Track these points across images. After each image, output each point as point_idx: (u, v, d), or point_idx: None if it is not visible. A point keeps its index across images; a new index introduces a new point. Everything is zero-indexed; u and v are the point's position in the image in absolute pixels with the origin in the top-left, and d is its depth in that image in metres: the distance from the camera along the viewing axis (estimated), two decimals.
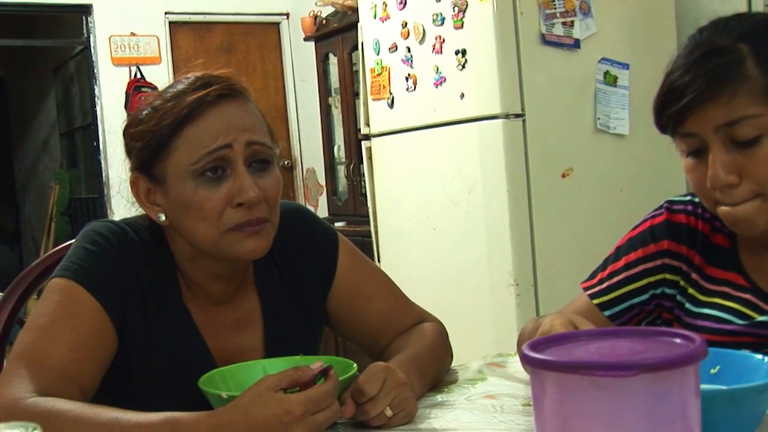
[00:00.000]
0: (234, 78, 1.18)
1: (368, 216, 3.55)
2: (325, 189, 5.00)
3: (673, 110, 1.07)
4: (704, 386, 0.93)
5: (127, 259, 1.16)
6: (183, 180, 1.13)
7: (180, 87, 1.16)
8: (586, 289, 1.26)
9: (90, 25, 5.27)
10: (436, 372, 1.24)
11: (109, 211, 5.24)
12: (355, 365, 1.09)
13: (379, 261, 3.43)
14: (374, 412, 1.03)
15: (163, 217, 1.17)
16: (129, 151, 1.19)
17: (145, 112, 1.17)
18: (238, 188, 1.12)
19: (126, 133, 1.19)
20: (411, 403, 1.07)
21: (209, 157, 1.11)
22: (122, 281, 1.14)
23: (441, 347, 1.28)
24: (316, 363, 1.00)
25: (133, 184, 1.18)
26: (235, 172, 1.12)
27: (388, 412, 1.04)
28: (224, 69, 1.19)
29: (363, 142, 3.58)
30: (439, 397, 1.18)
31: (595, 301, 1.23)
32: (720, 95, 1.03)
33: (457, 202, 2.93)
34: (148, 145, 1.14)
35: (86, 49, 5.37)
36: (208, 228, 1.13)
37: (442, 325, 1.34)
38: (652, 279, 1.22)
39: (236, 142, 1.12)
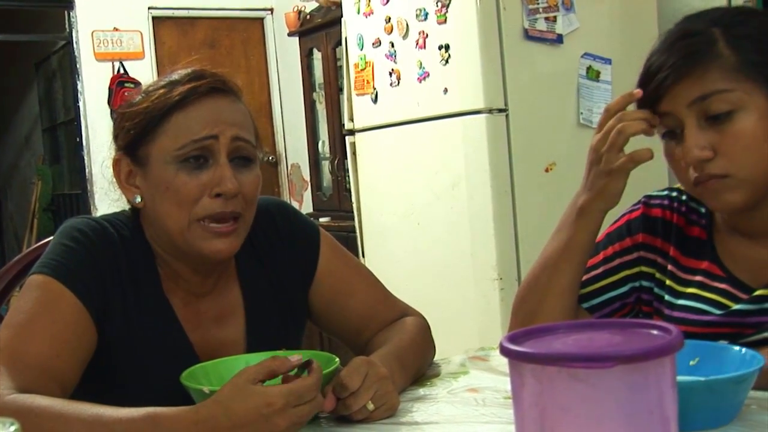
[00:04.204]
0: (228, 77, 1.20)
1: (353, 211, 3.55)
2: (309, 184, 4.99)
3: (649, 90, 1.11)
4: (683, 377, 0.95)
5: (106, 254, 1.16)
6: (165, 164, 1.14)
7: (174, 77, 1.19)
8: None
9: (72, 19, 5.23)
10: (419, 366, 1.25)
11: (92, 207, 5.21)
12: (337, 359, 1.09)
13: (363, 256, 3.43)
14: (356, 406, 1.03)
15: (138, 199, 1.18)
16: (116, 133, 1.21)
17: (139, 97, 1.19)
18: (218, 178, 1.13)
19: (117, 114, 1.21)
20: (393, 397, 1.08)
21: (195, 144, 1.13)
22: (102, 277, 1.14)
23: (423, 341, 1.29)
24: (295, 356, 1.00)
25: (116, 163, 1.20)
26: (217, 163, 1.14)
27: (370, 406, 1.04)
28: (220, 69, 1.22)
29: (347, 138, 3.58)
30: (421, 391, 1.18)
31: None
32: (693, 72, 1.07)
33: (441, 196, 2.94)
34: (137, 125, 1.16)
35: (68, 44, 5.33)
36: (180, 214, 1.14)
37: (424, 319, 1.34)
38: (629, 272, 1.23)
39: (222, 134, 1.14)
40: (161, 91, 1.16)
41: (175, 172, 1.14)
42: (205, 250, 1.15)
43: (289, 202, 5.68)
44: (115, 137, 1.21)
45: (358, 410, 1.04)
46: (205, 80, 1.16)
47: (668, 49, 1.10)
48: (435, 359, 1.33)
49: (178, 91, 1.15)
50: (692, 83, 1.07)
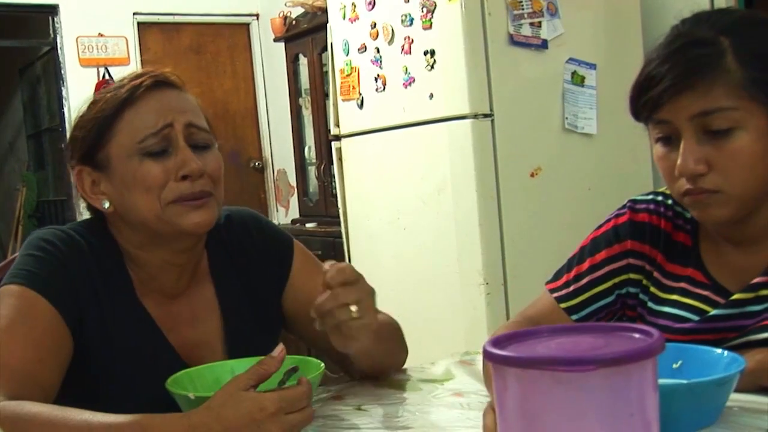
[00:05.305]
0: (170, 72, 1.23)
1: (339, 217, 3.55)
2: (296, 190, 4.99)
3: (649, 97, 1.08)
4: (666, 380, 0.96)
5: (75, 261, 1.16)
6: (128, 157, 1.16)
7: (121, 82, 1.22)
8: (552, 290, 1.25)
9: (57, 25, 5.20)
10: (389, 349, 1.26)
11: (77, 213, 5.18)
12: (322, 364, 1.10)
13: (349, 261, 3.43)
14: (344, 298, 1.02)
15: (107, 204, 1.19)
16: (72, 149, 1.22)
17: (86, 108, 1.22)
18: (180, 162, 1.16)
19: (69, 131, 1.24)
20: (373, 318, 1.07)
21: (155, 137, 1.16)
22: (74, 283, 1.15)
23: (395, 338, 1.30)
24: (277, 349, 1.01)
25: (78, 175, 1.21)
26: (177, 148, 1.17)
27: (353, 309, 1.03)
28: (167, 69, 1.24)
29: (333, 143, 3.58)
30: (407, 395, 1.19)
31: (563, 305, 1.23)
32: (698, 85, 1.04)
33: (427, 202, 2.94)
34: (90, 131, 1.18)
35: (53, 49, 5.30)
36: (151, 201, 1.15)
37: (396, 322, 1.35)
38: (617, 280, 1.22)
39: (176, 121, 1.17)
40: (108, 95, 1.19)
41: (139, 162, 1.16)
42: (184, 225, 1.16)
43: (275, 207, 5.68)
44: (71, 155, 1.22)
45: (340, 309, 1.02)
46: (146, 76, 1.19)
47: (673, 56, 1.06)
48: (420, 363, 1.34)
49: (123, 90, 1.18)
50: (696, 97, 1.04)
